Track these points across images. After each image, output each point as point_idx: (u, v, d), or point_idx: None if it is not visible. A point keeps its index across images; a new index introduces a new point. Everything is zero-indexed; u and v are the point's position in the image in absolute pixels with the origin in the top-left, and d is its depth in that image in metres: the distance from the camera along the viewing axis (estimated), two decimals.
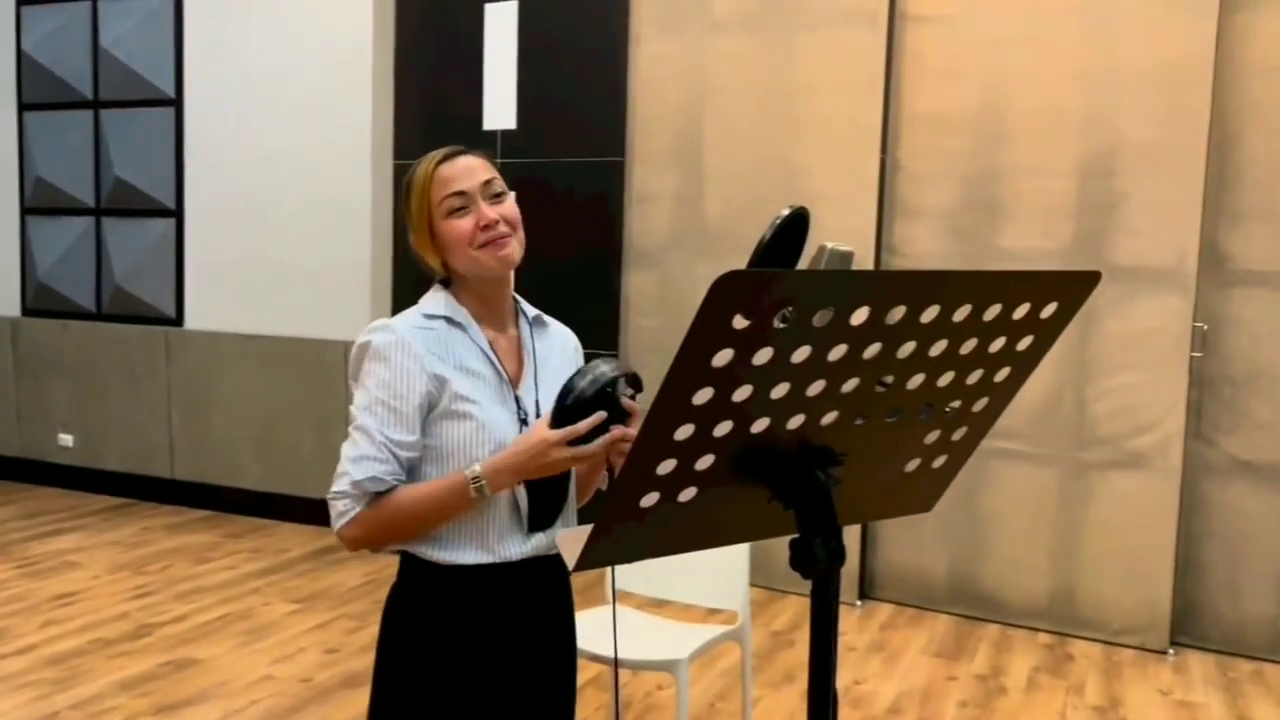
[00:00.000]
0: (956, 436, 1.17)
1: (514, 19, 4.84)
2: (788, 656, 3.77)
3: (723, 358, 0.88)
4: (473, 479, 1.47)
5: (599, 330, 4.64)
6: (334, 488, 1.50)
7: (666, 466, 0.95)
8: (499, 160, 4.87)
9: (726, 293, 0.82)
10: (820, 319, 0.90)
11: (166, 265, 5.53)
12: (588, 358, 1.69)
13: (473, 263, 1.57)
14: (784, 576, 4.44)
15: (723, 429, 0.95)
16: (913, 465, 1.17)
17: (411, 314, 1.61)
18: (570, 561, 1.01)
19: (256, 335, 5.31)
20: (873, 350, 0.97)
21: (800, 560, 1.05)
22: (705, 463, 0.97)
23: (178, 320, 5.53)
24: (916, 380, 1.04)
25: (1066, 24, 3.96)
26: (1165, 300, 3.84)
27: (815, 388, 0.97)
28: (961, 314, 1.00)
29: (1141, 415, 3.92)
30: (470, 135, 4.90)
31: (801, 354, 0.92)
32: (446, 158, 1.58)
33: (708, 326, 0.84)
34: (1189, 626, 3.99)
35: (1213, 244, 3.87)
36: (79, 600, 4.10)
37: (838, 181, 4.27)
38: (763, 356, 0.90)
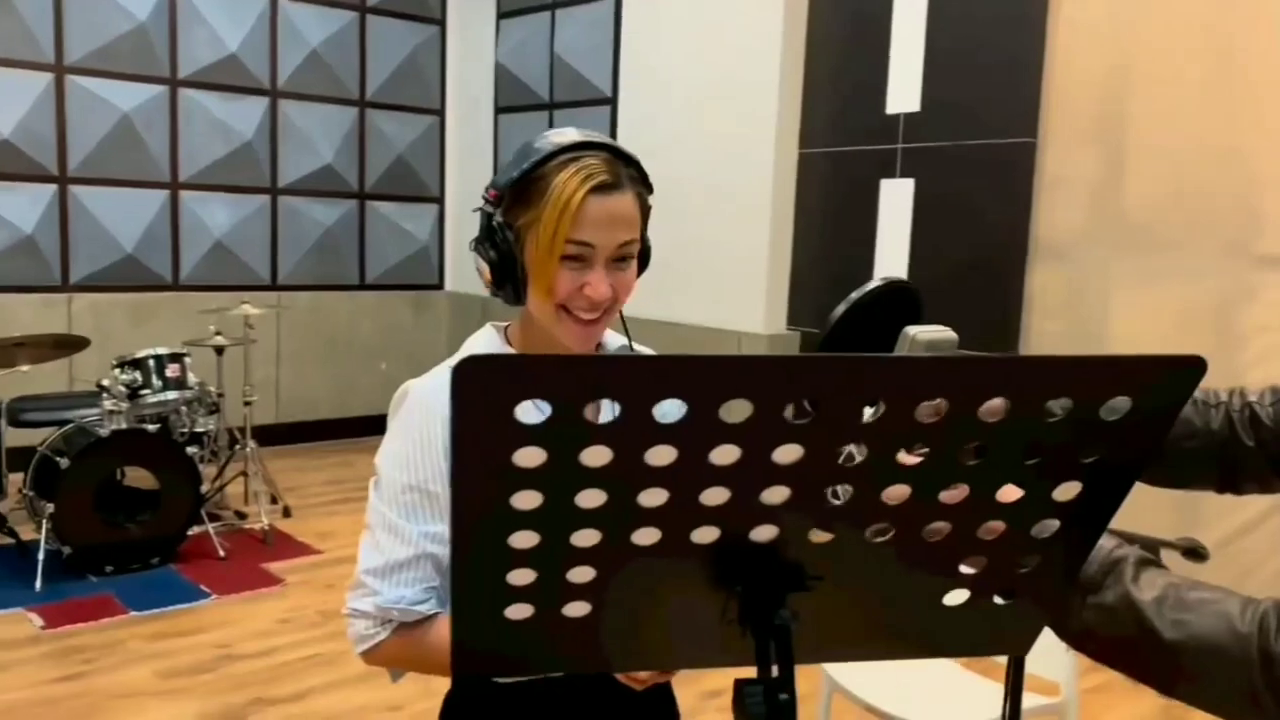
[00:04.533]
0: (1028, 567, 0.84)
1: None
2: None
3: (530, 457, 0.69)
4: None
5: (995, 333, 4.18)
6: (353, 602, 1.24)
7: (523, 576, 0.78)
8: (899, 145, 4.61)
9: (473, 381, 0.64)
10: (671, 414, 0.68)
11: None
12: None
13: (548, 318, 1.25)
14: None
15: (586, 539, 0.76)
16: (957, 599, 0.86)
17: (443, 368, 1.29)
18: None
19: (663, 323, 5.51)
20: (792, 453, 0.72)
21: (737, 709, 0.82)
22: (583, 575, 0.79)
23: None
24: (898, 492, 0.76)
25: None
26: None
27: (715, 495, 0.74)
28: (925, 413, 0.70)
29: None
30: (873, 120, 4.65)
31: (664, 455, 0.71)
32: (601, 188, 1.20)
33: (471, 418, 0.67)
34: None
35: None
36: None
37: None
38: (596, 457, 0.70)
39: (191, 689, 3.22)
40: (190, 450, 4.39)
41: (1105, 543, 0.89)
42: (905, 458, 0.74)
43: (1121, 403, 0.72)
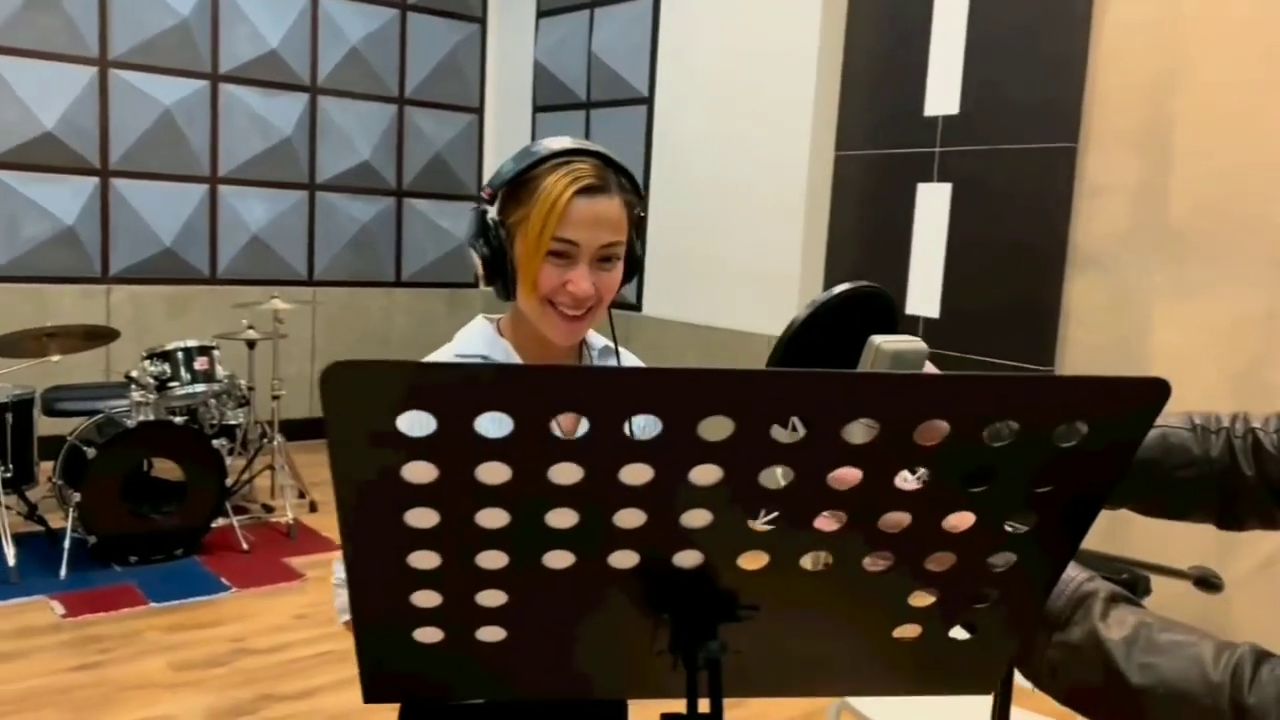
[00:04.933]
0: (986, 602, 0.78)
1: None
2: None
3: (420, 472, 0.64)
4: None
5: (1030, 344, 4.06)
6: (341, 572, 1.26)
7: (428, 598, 0.73)
8: (937, 148, 4.50)
9: (343, 388, 0.59)
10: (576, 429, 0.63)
11: None
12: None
13: (535, 313, 1.31)
14: None
15: (492, 560, 0.71)
16: (906, 632, 0.80)
17: (443, 352, 1.39)
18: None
19: (696, 325, 5.45)
20: (710, 474, 0.66)
21: None
22: (494, 599, 0.74)
23: (637, 306, 5.87)
24: (831, 519, 0.70)
25: None
26: None
27: (629, 518, 0.69)
28: (857, 434, 0.64)
29: None
30: (910, 123, 4.55)
31: (568, 474, 0.65)
32: (588, 190, 1.26)
33: (345, 427, 0.62)
34: None
35: None
36: None
37: None
38: (494, 475, 0.65)
39: (203, 682, 3.22)
40: (219, 443, 4.41)
41: (1075, 575, 0.81)
42: (837, 481, 0.68)
43: (1076, 428, 0.65)
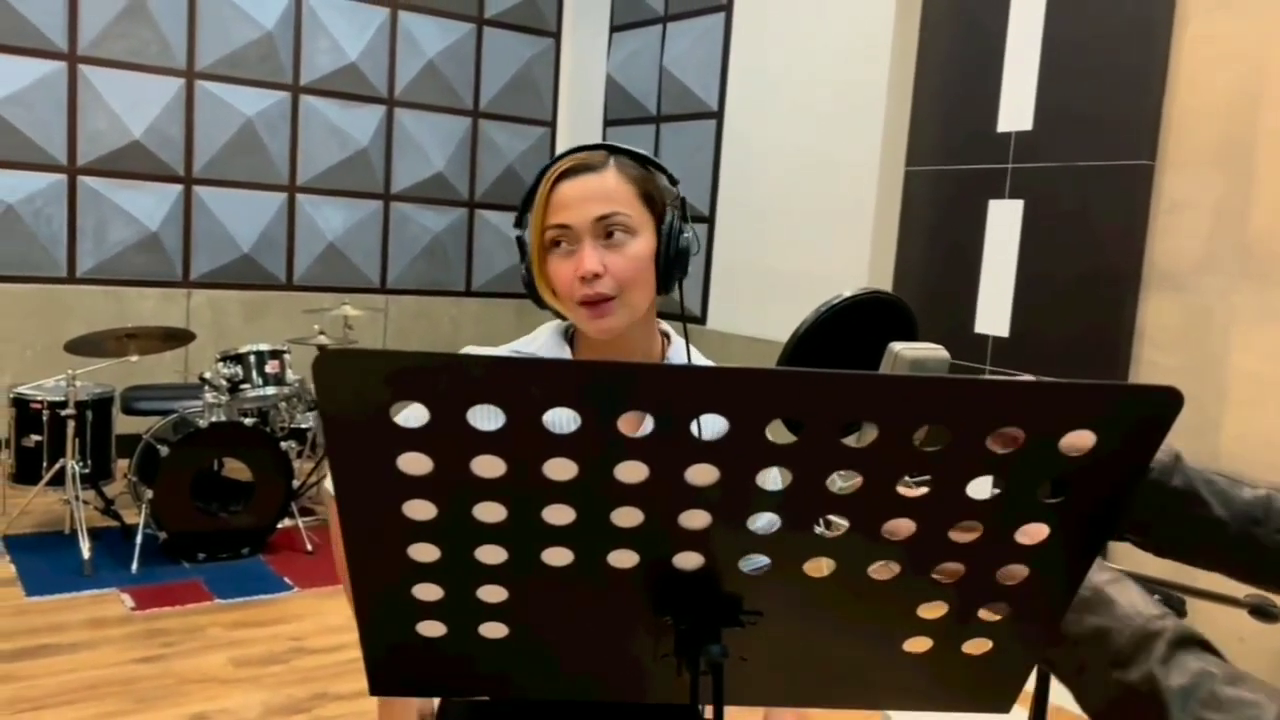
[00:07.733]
0: (996, 616, 0.75)
1: (1041, 7, 4.30)
2: None
3: (415, 464, 0.65)
4: None
5: (1102, 366, 3.95)
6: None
7: (429, 592, 0.73)
8: (1009, 165, 4.42)
9: (334, 377, 0.60)
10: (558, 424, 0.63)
11: (696, 268, 5.89)
12: None
13: (569, 314, 1.28)
14: None
15: (491, 555, 0.71)
16: (917, 645, 0.78)
17: (503, 349, 1.37)
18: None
19: (761, 339, 5.42)
20: (707, 475, 0.65)
21: None
22: (495, 595, 0.74)
23: (702, 319, 5.86)
24: (833, 524, 0.69)
25: None
26: None
27: (627, 516, 0.68)
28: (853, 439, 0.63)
29: None
30: (982, 139, 4.47)
31: (562, 469, 0.65)
32: (564, 174, 1.23)
33: (338, 416, 0.62)
34: None
35: None
36: None
37: None
38: (489, 468, 0.65)
39: (261, 678, 3.29)
40: (287, 445, 4.51)
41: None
42: (836, 486, 0.66)
43: (1084, 438, 0.63)
